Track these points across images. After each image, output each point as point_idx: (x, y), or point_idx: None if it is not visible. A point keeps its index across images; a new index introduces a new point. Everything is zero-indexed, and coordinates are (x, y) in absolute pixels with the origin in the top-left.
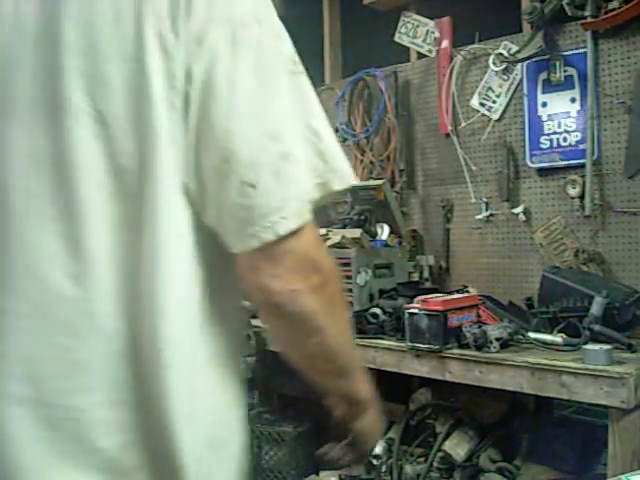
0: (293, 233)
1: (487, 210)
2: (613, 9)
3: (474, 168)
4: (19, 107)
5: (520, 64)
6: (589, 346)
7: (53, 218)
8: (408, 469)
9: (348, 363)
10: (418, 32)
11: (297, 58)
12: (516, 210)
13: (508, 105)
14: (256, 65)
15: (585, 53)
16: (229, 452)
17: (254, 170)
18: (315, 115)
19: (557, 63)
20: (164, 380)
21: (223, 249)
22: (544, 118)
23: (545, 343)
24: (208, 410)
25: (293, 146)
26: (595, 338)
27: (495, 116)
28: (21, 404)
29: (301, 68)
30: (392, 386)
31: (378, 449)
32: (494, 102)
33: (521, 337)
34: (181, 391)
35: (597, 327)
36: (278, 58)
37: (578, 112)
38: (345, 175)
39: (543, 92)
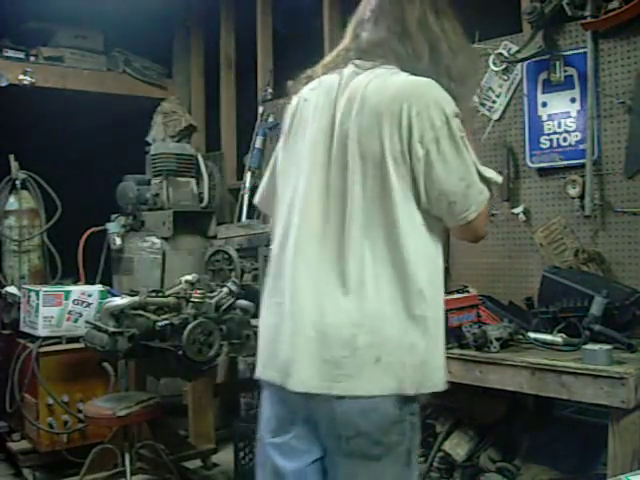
0: (474, 218)
1: None
2: (613, 9)
3: None
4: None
5: (520, 64)
6: (589, 346)
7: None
8: None
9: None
10: None
11: (462, 127)
12: (516, 210)
13: (508, 105)
14: (450, 145)
15: (585, 53)
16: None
17: (454, 197)
18: (474, 157)
19: (557, 63)
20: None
21: (430, 214)
22: (544, 118)
23: (545, 343)
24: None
25: (471, 179)
26: (595, 338)
27: (495, 116)
28: None
29: (464, 132)
30: None
31: None
32: (494, 102)
33: (521, 337)
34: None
35: (597, 327)
36: (457, 136)
37: (578, 112)
38: (495, 185)
39: (543, 92)
